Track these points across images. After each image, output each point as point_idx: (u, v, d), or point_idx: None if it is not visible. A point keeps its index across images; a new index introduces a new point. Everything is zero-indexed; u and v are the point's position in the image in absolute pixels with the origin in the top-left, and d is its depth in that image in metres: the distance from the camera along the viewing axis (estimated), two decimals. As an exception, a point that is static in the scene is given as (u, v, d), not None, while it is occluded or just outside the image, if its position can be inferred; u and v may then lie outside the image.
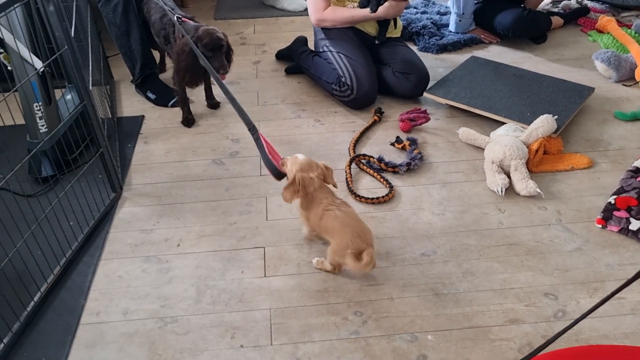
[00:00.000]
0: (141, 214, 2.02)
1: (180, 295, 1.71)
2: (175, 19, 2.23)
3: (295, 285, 1.73)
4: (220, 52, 2.24)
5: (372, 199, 2.03)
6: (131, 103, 2.70)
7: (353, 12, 2.55)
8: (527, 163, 2.11)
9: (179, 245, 1.88)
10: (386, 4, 2.48)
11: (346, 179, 2.13)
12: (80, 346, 1.58)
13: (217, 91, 2.68)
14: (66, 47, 1.78)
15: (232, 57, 2.38)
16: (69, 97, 2.21)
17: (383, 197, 2.03)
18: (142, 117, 2.59)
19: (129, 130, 2.49)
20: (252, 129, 1.84)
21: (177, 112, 2.58)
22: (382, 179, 2.13)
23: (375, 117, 2.47)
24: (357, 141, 2.35)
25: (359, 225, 1.68)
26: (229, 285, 1.74)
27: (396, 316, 1.63)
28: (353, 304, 1.66)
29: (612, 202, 1.93)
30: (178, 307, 1.67)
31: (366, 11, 2.51)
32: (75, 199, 1.89)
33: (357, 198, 2.04)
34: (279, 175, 1.79)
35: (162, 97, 2.66)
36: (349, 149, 2.30)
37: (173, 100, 2.63)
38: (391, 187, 2.08)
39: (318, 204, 1.70)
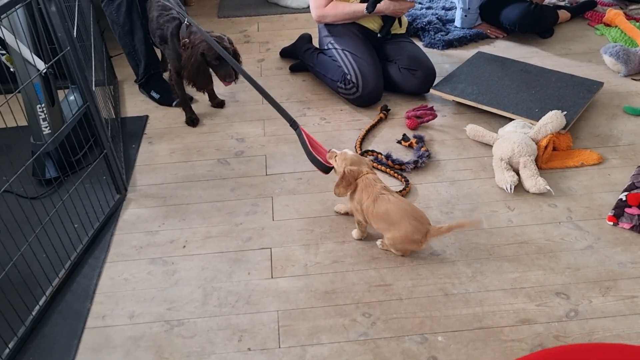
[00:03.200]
0: (146, 215, 2.00)
1: (187, 297, 1.69)
2: (186, 22, 2.25)
3: (302, 286, 1.71)
4: (224, 61, 2.17)
5: None
6: (135, 103, 2.68)
7: (354, 7, 2.52)
8: (536, 160, 2.08)
9: (184, 246, 1.86)
10: (385, 1, 2.46)
11: None
12: (86, 350, 1.56)
13: (219, 90, 2.65)
14: (69, 47, 1.76)
15: (240, 61, 2.29)
16: (72, 98, 2.19)
17: (400, 191, 2.01)
18: (146, 117, 2.57)
19: (133, 130, 2.47)
20: (293, 125, 1.93)
21: (181, 112, 2.56)
22: (396, 174, 2.11)
23: (382, 115, 2.44)
24: (363, 139, 2.32)
25: (414, 209, 1.73)
26: (236, 287, 1.72)
27: (405, 317, 1.60)
28: (362, 305, 1.64)
29: (624, 198, 1.90)
30: (184, 310, 1.65)
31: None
32: (79, 201, 1.87)
33: None
34: (327, 170, 1.84)
35: (166, 96, 2.64)
36: (355, 147, 2.28)
37: (177, 100, 2.61)
38: (407, 181, 2.06)
39: (372, 188, 1.73)
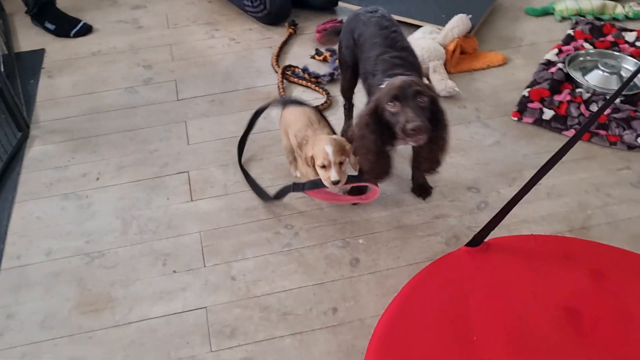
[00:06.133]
0: (53, 151, 1.91)
1: (105, 228, 1.65)
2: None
3: (223, 206, 1.70)
4: (408, 102, 1.32)
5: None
6: (29, 36, 2.49)
7: None
8: (445, 64, 2.12)
9: (98, 179, 1.80)
10: None
11: (279, 93, 2.09)
12: (4, 292, 1.51)
13: (119, 16, 2.50)
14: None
15: (444, 125, 1.44)
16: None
17: (322, 105, 2.01)
18: (43, 50, 2.40)
19: (29, 65, 2.31)
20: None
21: (82, 42, 2.41)
22: (317, 87, 2.09)
23: (291, 30, 2.40)
24: (278, 57, 2.28)
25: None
26: (156, 214, 1.69)
27: (327, 225, 1.64)
28: (283, 217, 1.66)
29: (526, 94, 1.98)
30: (104, 241, 1.62)
31: None
32: (-24, 141, 1.76)
33: None
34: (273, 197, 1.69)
35: (63, 26, 2.47)
36: (272, 64, 2.23)
37: (76, 29, 2.45)
38: (328, 94, 2.06)
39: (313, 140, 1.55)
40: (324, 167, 1.46)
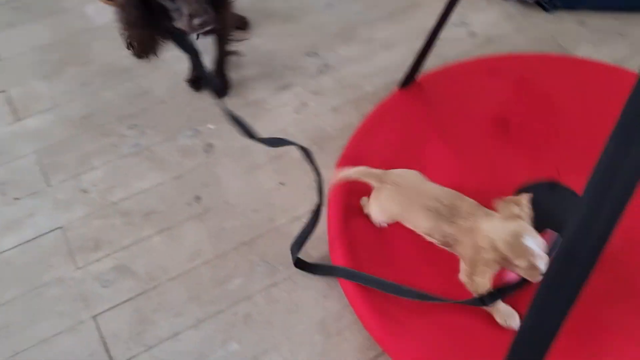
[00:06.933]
0: None
1: None
2: None
3: (55, 119, 1.57)
4: None
5: None
6: None
7: None
8: None
9: None
10: None
11: None
12: None
13: None
14: None
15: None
16: None
17: None
18: None
19: None
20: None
21: None
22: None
23: None
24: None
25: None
26: (-22, 142, 1.52)
27: (172, 117, 1.58)
28: (125, 118, 1.57)
29: (349, -49, 1.96)
30: None
31: None
32: None
33: None
34: None
35: None
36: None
37: None
38: None
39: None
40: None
